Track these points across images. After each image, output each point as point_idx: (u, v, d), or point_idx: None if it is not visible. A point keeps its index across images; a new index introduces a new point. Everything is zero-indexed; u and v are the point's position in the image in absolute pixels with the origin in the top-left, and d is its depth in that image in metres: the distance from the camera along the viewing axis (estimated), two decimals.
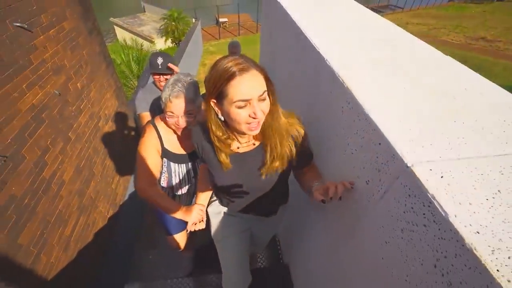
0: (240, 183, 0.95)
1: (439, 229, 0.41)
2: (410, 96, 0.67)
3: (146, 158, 1.20)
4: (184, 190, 1.42)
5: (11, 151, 1.50)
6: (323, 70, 0.86)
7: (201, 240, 1.85)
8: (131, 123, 3.27)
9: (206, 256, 1.90)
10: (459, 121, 0.59)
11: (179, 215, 1.16)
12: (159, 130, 1.23)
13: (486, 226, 0.38)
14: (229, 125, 0.79)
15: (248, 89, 0.68)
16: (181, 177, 1.35)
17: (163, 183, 1.34)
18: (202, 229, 1.16)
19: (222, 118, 0.78)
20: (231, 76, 0.68)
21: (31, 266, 1.60)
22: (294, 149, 0.85)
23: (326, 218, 1.00)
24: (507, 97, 0.71)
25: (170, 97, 1.10)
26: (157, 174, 1.23)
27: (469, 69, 0.86)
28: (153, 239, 2.20)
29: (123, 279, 1.83)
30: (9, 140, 1.49)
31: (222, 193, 1.08)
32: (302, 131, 0.85)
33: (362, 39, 1.00)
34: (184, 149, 1.29)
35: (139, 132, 1.91)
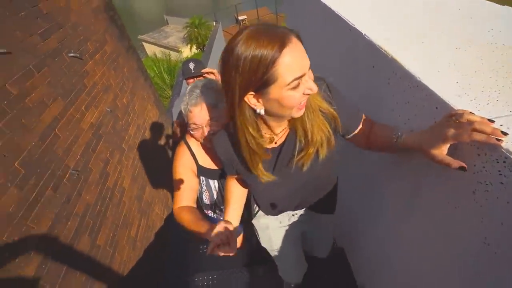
0: (281, 183, 0.81)
1: None
2: (460, 58, 0.62)
3: (180, 181, 1.13)
4: (212, 192, 1.34)
5: (81, 166, 1.72)
6: (362, 45, 0.84)
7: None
8: (171, 130, 3.49)
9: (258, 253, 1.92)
10: None
11: (208, 233, 0.90)
12: (192, 147, 1.15)
13: None
14: (266, 118, 0.67)
15: (300, 63, 0.55)
16: (223, 192, 1.21)
17: (206, 200, 1.30)
18: (230, 254, 0.79)
19: (263, 112, 0.62)
20: (275, 58, 0.53)
21: (109, 264, 1.82)
22: (329, 127, 0.70)
23: (383, 194, 0.98)
24: None
25: (189, 107, 0.99)
26: (193, 195, 1.16)
27: None
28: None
29: (185, 271, 2.00)
30: (78, 156, 1.71)
31: (264, 203, 0.98)
32: (329, 93, 0.69)
33: (398, 11, 0.94)
34: (216, 165, 1.21)
35: (175, 139, 1.99)
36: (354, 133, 0.75)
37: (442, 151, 0.51)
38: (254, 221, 1.13)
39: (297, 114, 0.62)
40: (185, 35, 15.63)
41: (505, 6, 0.79)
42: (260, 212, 1.06)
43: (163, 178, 2.93)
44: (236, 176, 0.92)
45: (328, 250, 1.39)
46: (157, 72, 6.46)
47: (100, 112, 2.03)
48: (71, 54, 1.79)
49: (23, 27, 1.45)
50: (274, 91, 0.56)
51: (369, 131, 0.74)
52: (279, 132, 0.72)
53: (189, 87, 1.04)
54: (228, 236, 0.78)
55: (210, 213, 1.40)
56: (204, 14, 15.86)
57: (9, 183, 1.22)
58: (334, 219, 1.15)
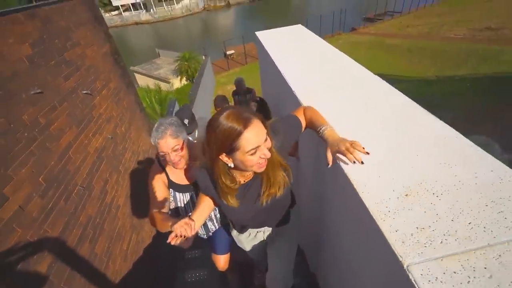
0: (247, 210, 1.06)
1: None
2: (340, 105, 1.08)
3: (155, 192, 1.38)
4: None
5: (86, 183, 2.04)
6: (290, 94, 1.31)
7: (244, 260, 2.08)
8: None
9: (249, 277, 2.10)
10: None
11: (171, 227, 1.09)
12: (164, 166, 1.42)
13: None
14: (236, 169, 0.89)
15: (256, 139, 0.79)
16: (185, 204, 1.55)
17: (170, 211, 1.55)
18: (184, 247, 1.03)
19: (232, 166, 0.87)
20: (239, 133, 0.77)
21: (104, 271, 2.06)
22: (287, 179, 0.97)
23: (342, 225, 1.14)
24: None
25: (157, 140, 1.27)
26: (165, 203, 1.38)
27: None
28: (195, 259, 2.62)
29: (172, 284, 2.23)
30: (84, 175, 2.04)
31: (234, 224, 1.24)
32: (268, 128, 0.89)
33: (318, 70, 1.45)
34: (187, 180, 1.48)
35: None
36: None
37: (333, 151, 0.91)
38: (232, 233, 1.41)
39: (258, 170, 0.88)
40: (176, 68, 16.47)
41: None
42: (235, 231, 1.34)
43: None
44: (205, 196, 1.13)
45: (291, 264, 1.49)
46: (148, 102, 6.94)
47: (103, 139, 2.39)
48: (84, 91, 2.19)
49: (52, 72, 1.87)
50: (238, 155, 0.81)
51: (308, 121, 1.04)
52: (246, 176, 0.99)
53: (156, 123, 1.31)
54: (186, 230, 0.96)
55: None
56: (194, 49, 16.94)
57: (34, 193, 1.54)
58: (291, 229, 1.33)
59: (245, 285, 2.12)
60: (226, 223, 1.68)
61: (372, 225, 0.66)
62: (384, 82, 1.38)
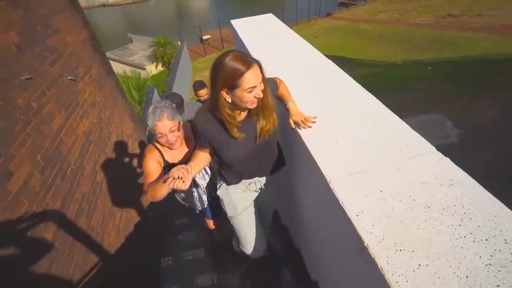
0: (246, 147, 1.19)
1: None
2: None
3: (149, 170, 1.42)
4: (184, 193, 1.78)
5: (78, 163, 2.20)
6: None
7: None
8: (144, 138, 3.98)
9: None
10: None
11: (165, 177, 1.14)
12: (159, 147, 1.47)
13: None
14: (233, 105, 1.05)
15: (254, 80, 0.96)
16: None
17: None
18: (182, 188, 1.04)
19: (230, 101, 1.03)
20: (242, 73, 0.94)
21: (100, 242, 2.27)
22: (276, 119, 1.15)
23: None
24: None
25: (155, 122, 1.33)
26: (159, 181, 1.32)
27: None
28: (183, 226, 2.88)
29: (161, 255, 2.48)
30: (76, 156, 2.19)
31: (231, 165, 1.27)
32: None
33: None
34: (182, 161, 1.52)
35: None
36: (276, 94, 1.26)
37: (294, 120, 1.21)
38: (219, 192, 1.43)
39: (250, 106, 1.04)
40: (151, 53, 15.95)
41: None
42: (223, 185, 1.39)
43: (139, 177, 3.41)
44: (203, 149, 1.25)
45: (269, 219, 1.71)
46: (126, 89, 6.83)
47: (90, 123, 2.52)
48: (69, 77, 2.30)
49: (38, 59, 1.97)
50: (238, 91, 0.99)
51: (280, 91, 1.29)
52: (241, 115, 1.14)
53: (150, 108, 1.37)
54: (183, 173, 1.03)
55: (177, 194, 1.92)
56: (168, 33, 16.40)
57: (35, 170, 1.70)
58: (276, 187, 1.51)
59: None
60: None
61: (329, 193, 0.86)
62: (340, 70, 1.62)
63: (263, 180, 1.42)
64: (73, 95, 2.34)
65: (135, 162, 3.41)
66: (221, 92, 1.01)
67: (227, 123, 1.09)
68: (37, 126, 1.80)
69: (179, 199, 1.90)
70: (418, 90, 7.30)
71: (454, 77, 8.44)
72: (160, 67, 15.98)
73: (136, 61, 17.36)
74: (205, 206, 1.89)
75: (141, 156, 3.67)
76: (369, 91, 1.38)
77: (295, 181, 1.53)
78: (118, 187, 2.87)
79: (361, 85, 1.45)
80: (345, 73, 1.59)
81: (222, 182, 1.41)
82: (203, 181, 1.74)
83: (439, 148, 0.94)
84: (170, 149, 1.49)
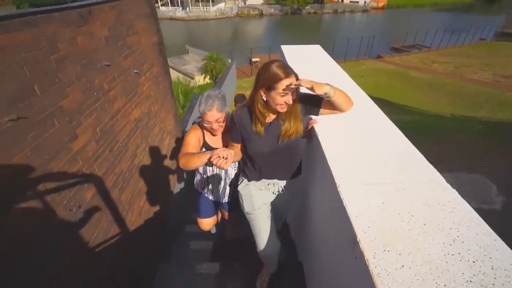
0: (268, 145, 1.34)
1: None
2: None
3: (189, 141, 1.62)
4: (215, 173, 1.95)
5: (124, 142, 2.52)
6: None
7: (234, 234, 2.48)
8: (181, 136, 4.33)
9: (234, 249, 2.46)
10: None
11: (207, 156, 1.25)
12: (202, 129, 1.70)
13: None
14: (266, 105, 1.24)
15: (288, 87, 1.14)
16: (213, 168, 1.88)
17: (200, 169, 1.91)
18: (223, 167, 1.17)
19: (265, 99, 1.22)
20: (280, 79, 1.13)
21: (124, 217, 2.50)
22: (300, 130, 1.29)
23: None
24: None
25: (205, 111, 1.51)
26: (194, 151, 1.56)
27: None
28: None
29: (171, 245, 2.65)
30: (124, 136, 2.52)
31: (254, 160, 1.41)
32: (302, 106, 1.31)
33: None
34: (218, 145, 1.72)
35: None
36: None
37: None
38: (239, 187, 1.57)
39: (280, 110, 1.22)
40: (202, 66, 17.27)
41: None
42: (245, 181, 1.53)
43: (169, 170, 3.69)
44: (235, 144, 1.44)
45: (282, 221, 1.87)
46: (175, 92, 7.49)
47: (141, 112, 2.88)
48: (135, 71, 2.70)
49: (117, 52, 2.38)
50: (273, 93, 1.19)
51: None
52: (270, 117, 1.31)
53: (205, 94, 1.53)
54: (227, 154, 1.17)
55: (198, 178, 2.07)
56: (221, 51, 17.74)
57: (92, 139, 2.01)
58: (291, 193, 1.60)
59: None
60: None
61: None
62: (380, 110, 1.60)
63: (281, 183, 1.54)
64: (134, 86, 2.73)
65: (169, 155, 3.73)
66: (260, 91, 1.21)
67: (255, 118, 1.27)
68: (103, 103, 2.15)
69: (205, 192, 2.07)
70: (462, 146, 6.87)
71: (506, 139, 7.82)
72: (207, 79, 17.15)
73: (187, 70, 18.87)
74: (226, 200, 2.02)
75: (174, 151, 3.99)
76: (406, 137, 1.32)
77: (308, 191, 1.62)
78: (150, 174, 3.15)
79: (400, 130, 1.39)
80: (384, 114, 1.56)
81: (243, 178, 1.56)
82: (233, 171, 1.89)
83: (479, 211, 0.86)
84: (212, 134, 1.69)
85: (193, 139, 1.65)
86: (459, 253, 0.73)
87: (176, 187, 3.92)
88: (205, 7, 44.67)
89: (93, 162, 2.02)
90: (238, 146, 1.45)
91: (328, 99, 1.25)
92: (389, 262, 0.70)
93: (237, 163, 1.89)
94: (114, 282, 2.23)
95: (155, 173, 3.28)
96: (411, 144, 1.26)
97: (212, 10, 45.21)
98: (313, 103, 1.35)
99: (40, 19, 1.51)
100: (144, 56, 2.96)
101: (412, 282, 0.66)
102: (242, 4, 49.66)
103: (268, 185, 1.53)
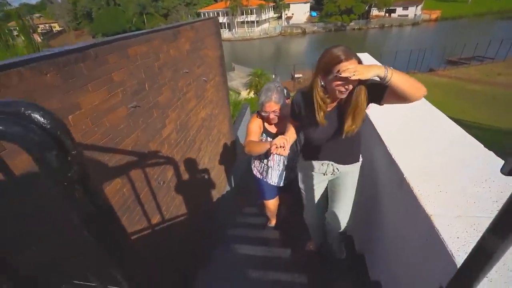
0: (327, 133, 1.35)
1: None
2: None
3: (252, 129, 1.87)
4: (276, 157, 2.08)
5: (193, 137, 3.00)
6: None
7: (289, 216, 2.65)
8: (233, 139, 4.78)
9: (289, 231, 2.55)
10: None
11: (266, 146, 1.61)
12: (262, 117, 1.91)
13: None
14: (326, 91, 1.20)
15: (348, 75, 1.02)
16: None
17: (260, 155, 2.06)
18: (283, 154, 1.25)
19: (323, 84, 1.18)
20: (340, 61, 1.07)
21: (189, 202, 2.93)
22: (359, 124, 1.23)
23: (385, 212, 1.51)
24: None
25: (264, 102, 1.70)
26: (257, 139, 1.86)
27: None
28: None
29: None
30: (194, 131, 3.00)
31: (311, 142, 1.44)
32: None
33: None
34: (277, 131, 1.92)
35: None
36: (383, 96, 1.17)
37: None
38: (298, 164, 1.68)
39: (339, 96, 1.18)
40: (247, 81, 18.28)
41: None
42: (302, 159, 1.61)
43: (221, 167, 4.11)
44: (294, 122, 1.49)
45: (348, 208, 1.60)
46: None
47: (206, 113, 3.39)
48: (204, 78, 3.23)
49: (193, 62, 2.92)
50: (330, 78, 1.15)
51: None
52: (333, 103, 1.29)
53: (265, 86, 1.75)
54: (284, 143, 1.24)
55: (257, 165, 2.26)
56: (264, 68, 18.60)
57: (174, 129, 2.50)
58: (352, 179, 1.55)
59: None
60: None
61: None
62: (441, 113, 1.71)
63: (337, 166, 1.52)
64: (202, 91, 3.25)
65: (221, 152, 4.18)
66: (318, 76, 1.20)
67: (316, 105, 1.24)
68: (182, 102, 2.66)
69: (264, 177, 2.21)
70: None
71: None
72: (252, 94, 18.01)
73: (233, 85, 20.08)
74: (282, 184, 2.16)
75: (227, 152, 4.44)
76: None
77: (368, 183, 1.70)
78: (208, 170, 3.60)
79: None
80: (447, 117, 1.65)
81: (301, 155, 1.62)
82: (288, 156, 1.98)
83: None
84: (268, 123, 1.91)
85: (255, 127, 1.89)
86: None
87: (226, 188, 4.34)
88: (250, 28, 47.32)
89: (173, 148, 2.50)
90: (296, 123, 1.49)
91: (386, 83, 1.06)
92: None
93: (293, 148, 2.04)
94: (181, 256, 2.63)
95: (212, 170, 3.73)
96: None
97: (256, 30, 47.64)
98: (376, 90, 1.17)
99: (151, 37, 2.06)
100: (210, 67, 3.50)
101: None
102: (286, 23, 51.40)
103: (322, 165, 1.54)
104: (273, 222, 2.75)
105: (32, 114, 0.31)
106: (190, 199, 2.92)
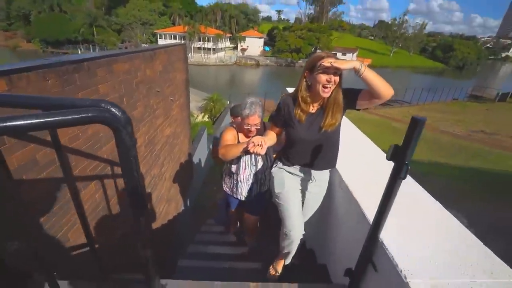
0: (309, 133, 1.40)
1: None
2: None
3: (227, 138, 1.88)
4: (247, 171, 2.08)
5: (158, 151, 3.10)
6: None
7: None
8: (191, 159, 4.89)
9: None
10: None
11: (243, 146, 1.53)
12: (236, 130, 1.97)
13: None
14: (311, 90, 1.30)
15: (331, 68, 1.20)
16: (246, 161, 2.05)
17: (233, 168, 2.08)
18: (260, 153, 1.29)
19: (310, 83, 1.29)
20: (322, 57, 1.23)
21: (149, 214, 2.95)
22: (339, 122, 1.35)
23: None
24: None
25: (249, 115, 1.72)
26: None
27: None
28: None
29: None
30: (159, 147, 3.11)
31: (293, 146, 1.48)
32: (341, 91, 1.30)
33: None
34: None
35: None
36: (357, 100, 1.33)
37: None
38: (273, 170, 1.64)
39: (323, 94, 1.28)
40: (201, 105, 18.50)
41: None
42: (279, 164, 1.61)
43: (182, 187, 4.17)
44: (274, 128, 1.53)
45: (314, 208, 1.74)
46: None
47: (170, 131, 3.53)
48: (171, 98, 3.43)
49: (164, 82, 3.13)
50: (315, 71, 1.27)
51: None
52: (315, 106, 1.39)
53: (249, 101, 1.77)
54: (261, 141, 1.28)
55: (227, 182, 2.26)
56: (221, 94, 19.25)
57: (143, 144, 2.61)
58: (323, 187, 1.65)
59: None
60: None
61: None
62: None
63: (314, 173, 1.58)
64: (169, 109, 3.43)
65: (181, 171, 4.27)
66: (304, 74, 1.33)
67: (297, 103, 1.36)
68: (152, 118, 2.81)
69: (234, 193, 2.20)
70: (437, 186, 7.65)
71: (478, 183, 8.72)
72: (206, 118, 18.21)
73: None
74: (253, 199, 2.15)
75: (186, 172, 4.54)
76: None
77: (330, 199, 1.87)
78: (168, 185, 3.66)
79: None
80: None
81: (278, 162, 1.63)
82: (261, 169, 2.07)
83: None
84: (246, 136, 1.92)
85: (230, 136, 1.92)
86: None
87: (185, 206, 4.38)
88: (206, 55, 48.62)
89: (141, 161, 2.59)
90: (276, 130, 1.53)
91: (359, 75, 1.19)
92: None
93: (264, 162, 2.10)
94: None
95: (172, 187, 3.79)
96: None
97: (212, 57, 49.18)
98: (351, 94, 1.34)
99: (133, 56, 2.25)
100: (177, 88, 3.73)
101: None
102: (241, 54, 54.42)
103: (299, 171, 1.57)
104: (231, 230, 2.86)
105: (112, 108, 0.62)
106: (153, 212, 2.94)
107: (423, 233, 1.15)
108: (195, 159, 5.42)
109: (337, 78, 1.26)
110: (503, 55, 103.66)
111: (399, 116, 21.79)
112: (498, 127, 17.26)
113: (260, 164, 2.09)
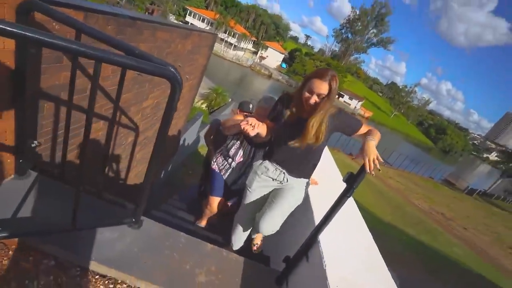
0: (291, 137, 1.43)
1: None
2: None
3: (236, 117, 2.01)
4: (242, 160, 2.15)
5: (159, 117, 3.32)
6: None
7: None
8: (182, 137, 5.10)
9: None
10: None
11: (240, 119, 1.56)
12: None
13: None
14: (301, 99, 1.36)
15: (316, 88, 1.30)
16: (245, 151, 2.13)
17: (231, 152, 2.12)
18: (249, 133, 1.31)
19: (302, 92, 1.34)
20: (312, 78, 1.32)
21: (134, 167, 3.14)
22: (318, 141, 1.36)
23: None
24: None
25: (265, 106, 1.85)
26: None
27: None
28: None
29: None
30: (161, 113, 3.33)
31: (275, 143, 1.54)
32: (335, 111, 1.37)
33: None
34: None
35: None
36: (351, 134, 1.46)
37: (362, 154, 1.24)
38: (255, 163, 1.70)
39: (305, 105, 1.37)
40: (205, 93, 18.65)
41: None
42: (260, 160, 1.66)
43: (166, 154, 4.35)
44: (269, 122, 1.53)
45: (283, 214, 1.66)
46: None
47: (181, 103, 3.76)
48: (187, 76, 3.69)
49: (187, 60, 3.39)
50: (304, 88, 1.36)
51: (366, 130, 1.44)
52: (306, 113, 1.40)
53: (266, 96, 1.96)
54: (256, 124, 1.32)
55: (219, 162, 2.24)
56: (225, 88, 19.52)
57: (150, 106, 2.84)
58: (295, 195, 1.62)
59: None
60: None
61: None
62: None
63: (288, 177, 1.58)
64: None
65: (170, 143, 4.47)
66: (302, 83, 1.42)
67: (294, 102, 1.45)
68: (165, 87, 3.04)
69: (223, 174, 2.19)
70: (385, 245, 8.23)
71: (420, 256, 9.43)
72: (204, 107, 18.35)
73: None
74: (227, 173, 2.17)
75: (174, 143, 4.74)
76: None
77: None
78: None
79: None
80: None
81: (261, 160, 1.66)
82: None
83: None
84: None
85: (239, 117, 2.04)
86: None
87: (160, 176, 4.57)
88: (226, 48, 49.04)
89: (145, 119, 2.81)
90: (271, 124, 1.53)
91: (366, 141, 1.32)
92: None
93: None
94: None
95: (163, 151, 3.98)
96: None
97: (231, 53, 49.68)
98: (351, 126, 1.44)
99: (173, 29, 2.52)
100: (195, 70, 3.99)
101: None
102: (258, 61, 55.31)
103: (276, 170, 1.59)
104: (203, 223, 2.55)
105: (175, 72, 0.98)
106: (135, 165, 3.14)
107: (349, 242, 1.53)
108: (183, 139, 5.62)
109: (318, 100, 1.34)
110: (485, 155, 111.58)
111: (378, 174, 22.79)
112: (456, 215, 18.53)
113: (255, 160, 2.08)
